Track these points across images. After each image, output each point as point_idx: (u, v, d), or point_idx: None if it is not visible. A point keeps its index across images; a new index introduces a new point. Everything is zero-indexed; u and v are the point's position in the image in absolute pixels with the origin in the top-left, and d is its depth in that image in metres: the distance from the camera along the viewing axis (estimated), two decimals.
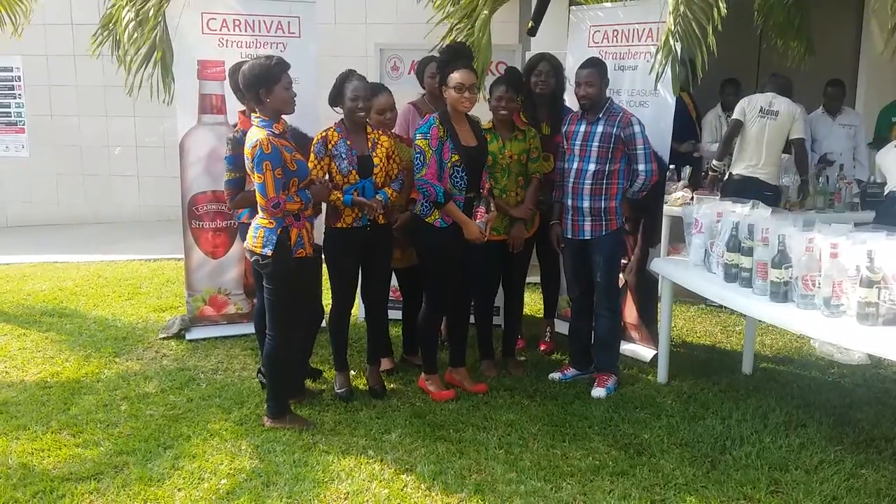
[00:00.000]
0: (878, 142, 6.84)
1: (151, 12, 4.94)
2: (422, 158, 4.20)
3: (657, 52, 4.30)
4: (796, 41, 5.98)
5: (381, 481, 3.55)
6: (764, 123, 5.93)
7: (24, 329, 5.68)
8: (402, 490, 3.48)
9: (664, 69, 4.24)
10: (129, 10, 4.92)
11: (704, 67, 4.16)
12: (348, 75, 4.24)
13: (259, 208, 3.88)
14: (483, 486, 3.49)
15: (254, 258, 3.92)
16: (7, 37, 6.44)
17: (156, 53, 5.05)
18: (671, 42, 4.18)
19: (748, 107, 6.00)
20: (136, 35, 4.87)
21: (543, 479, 3.55)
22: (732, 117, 6.11)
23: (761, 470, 3.62)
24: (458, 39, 5.03)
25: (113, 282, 7.02)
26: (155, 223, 9.50)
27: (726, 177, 6.19)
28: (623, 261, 5.02)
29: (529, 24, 5.68)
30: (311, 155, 4.17)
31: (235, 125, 4.63)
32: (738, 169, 6.02)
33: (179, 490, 3.48)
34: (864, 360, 4.97)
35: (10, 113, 9.75)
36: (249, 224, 4.08)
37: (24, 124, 9.78)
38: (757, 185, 5.85)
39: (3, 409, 4.30)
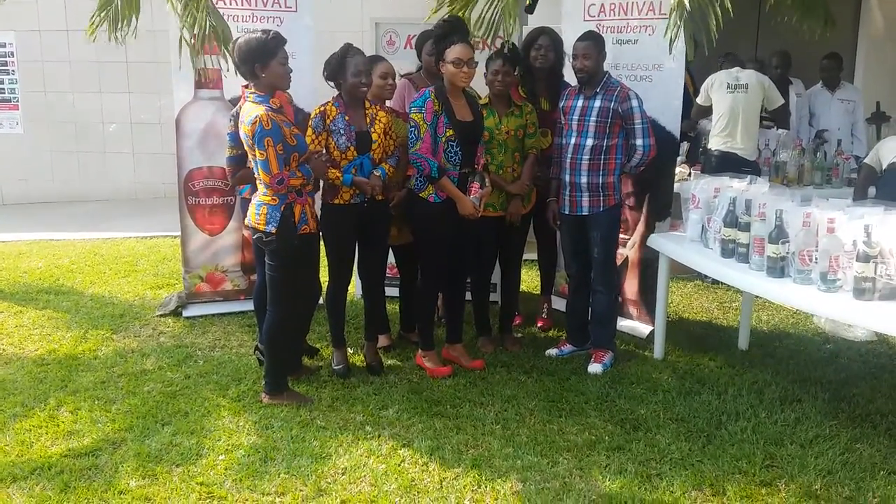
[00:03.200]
0: (879, 116, 6.81)
1: None
2: (416, 132, 4.17)
3: (671, 14, 4.20)
4: (811, 17, 5.75)
5: (378, 456, 3.57)
6: (733, 97, 5.89)
7: (20, 307, 5.67)
8: (399, 465, 3.50)
9: (678, 32, 4.12)
10: None
11: (720, 27, 4.02)
12: (348, 50, 4.19)
13: (262, 185, 3.86)
14: (480, 461, 3.51)
15: (256, 235, 3.90)
16: None
17: (213, 31, 4.86)
18: (684, 1, 4.06)
19: (711, 86, 6.01)
20: (187, 14, 4.71)
21: (540, 454, 3.56)
22: (697, 100, 6.14)
23: (756, 444, 3.64)
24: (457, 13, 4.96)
25: (109, 259, 7.00)
26: (151, 200, 9.48)
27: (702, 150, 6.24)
28: (625, 236, 5.01)
29: (528, 2, 5.61)
30: (309, 129, 4.14)
31: (238, 99, 4.57)
32: (715, 145, 6.01)
33: (177, 466, 3.49)
34: (870, 337, 4.93)
35: (3, 89, 9.67)
36: (250, 200, 4.05)
37: (17, 101, 9.70)
38: (734, 160, 5.83)
39: (1, 387, 4.30)
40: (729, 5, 3.99)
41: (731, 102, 5.89)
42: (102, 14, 5.07)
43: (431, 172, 4.16)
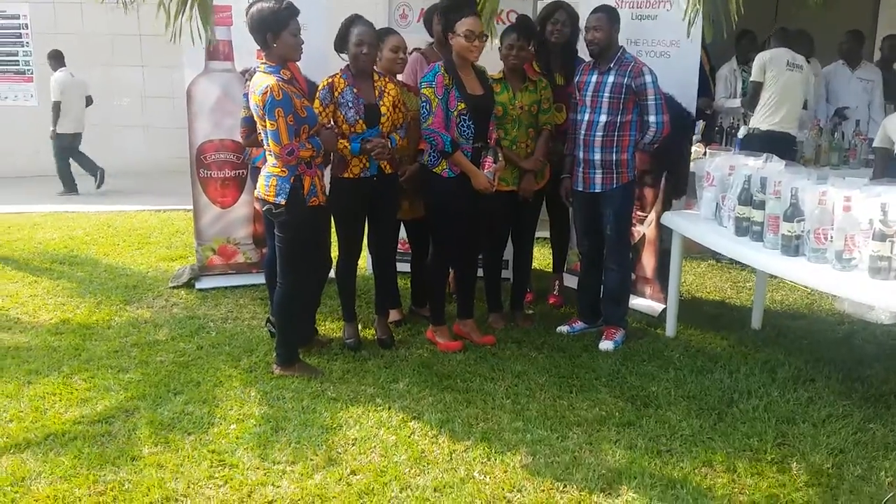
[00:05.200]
0: None
1: None
2: (428, 107, 4.14)
3: None
4: None
5: (388, 428, 3.58)
6: (790, 76, 5.84)
7: (35, 276, 5.71)
8: (409, 437, 3.51)
9: (696, 13, 4.07)
10: None
11: (740, 9, 3.98)
12: (353, 20, 4.16)
13: (271, 156, 3.85)
14: (489, 434, 3.51)
15: (266, 207, 3.90)
16: None
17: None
18: None
19: (770, 62, 5.89)
20: None
21: (549, 429, 3.57)
22: (752, 79, 6.02)
23: (768, 423, 3.62)
24: None
25: (122, 232, 7.03)
26: (164, 174, 9.48)
27: (741, 132, 6.12)
28: (642, 213, 4.97)
29: None
30: (317, 101, 4.11)
31: (249, 70, 4.54)
32: (765, 124, 5.89)
33: (189, 434, 3.52)
34: (893, 319, 4.84)
35: (18, 62, 9.69)
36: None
37: (31, 73, 9.71)
38: (785, 139, 5.78)
39: (16, 354, 4.34)
40: None
41: (789, 81, 5.85)
42: None
43: (445, 147, 4.14)
